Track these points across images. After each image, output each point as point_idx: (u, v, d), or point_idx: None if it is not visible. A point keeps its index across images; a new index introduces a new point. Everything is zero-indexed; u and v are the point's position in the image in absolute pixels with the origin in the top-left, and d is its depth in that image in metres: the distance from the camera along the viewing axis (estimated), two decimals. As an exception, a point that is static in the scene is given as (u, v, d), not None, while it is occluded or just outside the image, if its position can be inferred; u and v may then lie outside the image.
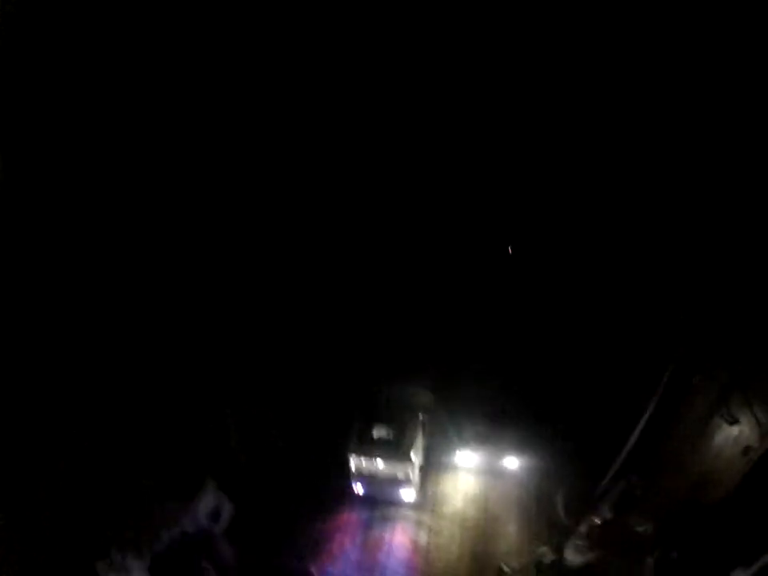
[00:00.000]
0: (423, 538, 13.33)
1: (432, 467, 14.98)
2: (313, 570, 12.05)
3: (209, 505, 12.06)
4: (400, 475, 13.08)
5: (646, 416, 11.63)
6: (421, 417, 14.08)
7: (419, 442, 13.71)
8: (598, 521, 11.83)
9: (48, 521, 9.57)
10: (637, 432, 11.82)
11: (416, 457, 13.41)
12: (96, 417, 11.29)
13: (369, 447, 12.92)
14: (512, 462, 14.64)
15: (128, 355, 12.10)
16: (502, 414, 14.47)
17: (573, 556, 11.78)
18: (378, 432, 13.16)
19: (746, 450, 9.43)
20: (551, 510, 13.86)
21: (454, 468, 15.11)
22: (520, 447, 14.58)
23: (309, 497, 13.80)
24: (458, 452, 14.75)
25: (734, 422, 9.80)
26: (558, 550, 12.13)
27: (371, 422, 13.30)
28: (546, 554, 12.22)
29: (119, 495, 10.78)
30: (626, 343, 14.00)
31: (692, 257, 12.33)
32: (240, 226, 14.78)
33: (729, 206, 11.54)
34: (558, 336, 15.33)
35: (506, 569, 12.40)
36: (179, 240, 13.46)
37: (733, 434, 9.81)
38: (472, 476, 15.04)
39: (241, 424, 13.76)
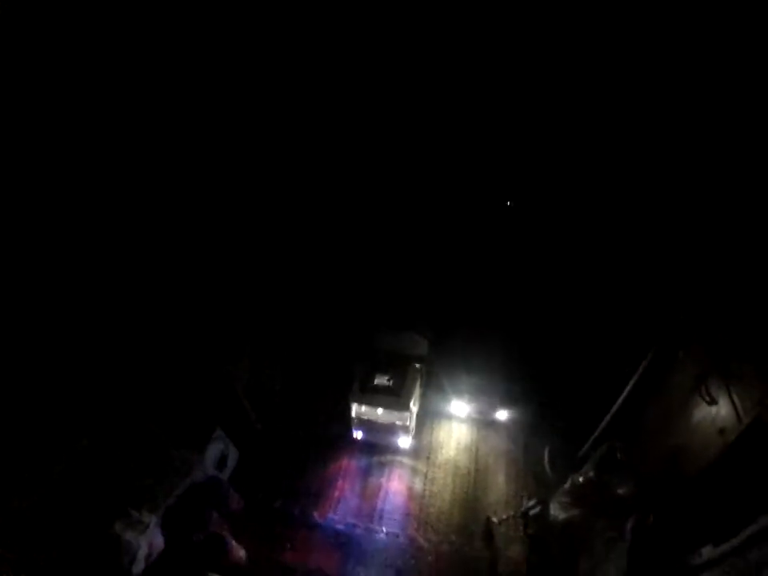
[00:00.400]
0: (418, 484, 13.77)
1: (428, 416, 15.25)
2: (315, 515, 12.60)
3: (216, 453, 12.35)
4: (398, 422, 13.35)
5: (632, 382, 11.24)
6: (418, 367, 14.11)
7: (417, 390, 13.85)
8: (581, 479, 11.84)
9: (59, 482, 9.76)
10: (622, 397, 11.50)
11: (414, 405, 13.63)
12: (105, 373, 11.51)
13: (369, 395, 13.18)
14: (503, 415, 14.69)
15: (134, 308, 12.23)
16: (495, 368, 14.24)
17: (556, 511, 11.93)
18: (379, 380, 13.39)
19: (722, 431, 9.00)
20: (538, 465, 13.98)
21: (449, 417, 15.33)
22: (511, 402, 14.55)
23: (312, 444, 14.27)
24: (452, 402, 14.86)
25: (712, 401, 9.30)
26: (544, 504, 12.25)
27: (372, 371, 13.52)
28: (533, 506, 12.39)
29: (130, 448, 10.91)
30: (619, 310, 13.27)
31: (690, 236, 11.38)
32: (239, 178, 14.36)
33: (715, 188, 10.62)
34: (554, 296, 14.77)
35: (494, 518, 12.78)
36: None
37: (711, 414, 9.32)
38: (465, 426, 15.25)
39: (246, 374, 13.86)
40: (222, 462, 12.54)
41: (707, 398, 9.32)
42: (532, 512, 12.33)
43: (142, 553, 9.51)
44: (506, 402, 14.46)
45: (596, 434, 12.32)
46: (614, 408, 11.63)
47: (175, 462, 11.11)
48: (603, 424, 12.03)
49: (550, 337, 14.65)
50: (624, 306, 13.18)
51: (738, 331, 9.08)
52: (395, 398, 13.10)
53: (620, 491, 11.13)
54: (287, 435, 14.45)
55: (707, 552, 8.47)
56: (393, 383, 13.33)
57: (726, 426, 8.86)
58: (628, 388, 11.30)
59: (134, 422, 11.38)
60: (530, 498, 12.79)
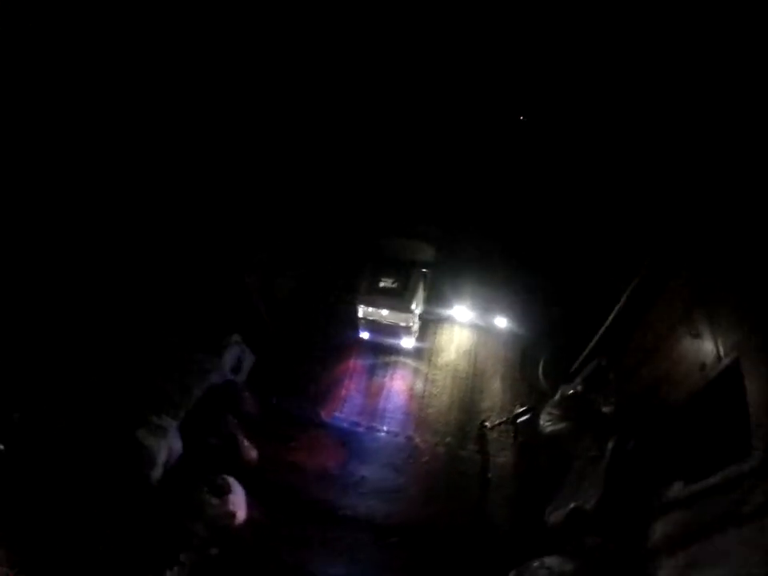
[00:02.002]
0: (419, 385, 13.87)
1: (432, 320, 14.97)
2: (322, 414, 13.06)
3: (233, 357, 12.67)
4: (402, 324, 13.47)
5: (622, 300, 10.35)
6: (424, 271, 14.03)
7: (420, 294, 13.78)
8: (570, 392, 11.52)
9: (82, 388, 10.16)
10: (612, 314, 10.68)
11: (417, 307, 13.63)
12: (125, 281, 11.76)
13: (375, 297, 13.39)
14: (502, 322, 14.18)
15: (153, 220, 12.36)
16: (497, 277, 13.86)
17: (545, 422, 11.80)
18: (384, 283, 13.52)
19: (703, 366, 8.23)
20: (533, 375, 13.61)
21: (450, 321, 15.00)
22: (511, 309, 13.99)
23: (321, 345, 14.47)
24: (454, 306, 14.53)
25: (696, 335, 8.41)
26: (533, 411, 12.19)
27: (378, 274, 13.67)
28: (521, 413, 12.35)
29: (150, 356, 11.29)
30: (616, 229, 11.89)
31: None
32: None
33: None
34: (555, 209, 13.67)
35: (487, 423, 12.83)
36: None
37: (694, 346, 8.44)
38: (466, 330, 14.90)
39: (260, 281, 14.09)
40: (238, 366, 12.85)
41: (693, 331, 8.42)
42: (520, 419, 12.27)
43: (161, 458, 9.82)
44: (506, 310, 13.95)
45: (588, 348, 11.65)
46: (606, 324, 10.82)
47: (193, 367, 11.40)
48: (595, 339, 11.29)
49: (549, 249, 13.56)
50: (621, 225, 11.79)
51: (724, 260, 7.88)
52: (399, 300, 13.24)
53: (604, 409, 10.74)
54: (300, 339, 14.63)
55: (676, 489, 8.08)
56: (397, 286, 13.43)
57: (707, 363, 8.04)
58: (618, 306, 10.38)
59: (154, 329, 11.74)
60: (522, 406, 12.60)
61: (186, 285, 12.65)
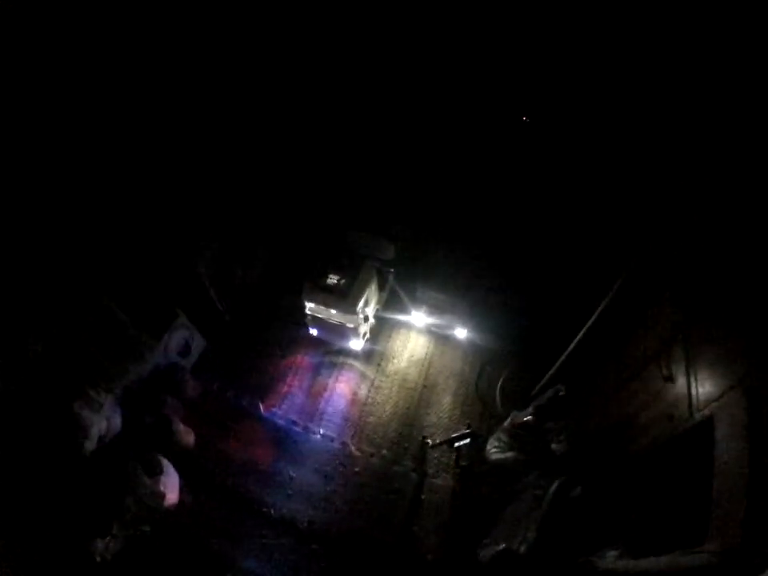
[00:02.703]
0: (363, 391, 12.81)
1: (388, 323, 13.89)
2: (261, 407, 12.22)
3: (180, 340, 12.01)
4: (348, 324, 12.23)
5: (591, 321, 9.11)
6: (381, 270, 12.80)
7: (373, 294, 12.63)
8: (524, 419, 10.34)
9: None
10: (578, 337, 9.47)
11: (368, 309, 12.49)
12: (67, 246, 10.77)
13: (318, 293, 12.00)
14: (462, 333, 13.06)
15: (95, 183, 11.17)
16: (461, 284, 12.49)
17: (492, 449, 10.70)
18: (331, 279, 12.10)
19: (671, 417, 7.03)
20: (489, 394, 12.54)
21: (407, 327, 13.88)
22: (474, 320, 12.83)
23: (272, 337, 13.55)
24: (412, 312, 13.30)
25: (668, 378, 7.18)
26: (474, 436, 11.18)
27: (326, 269, 12.22)
28: (460, 437, 11.26)
29: (89, 330, 10.50)
30: (595, 240, 10.70)
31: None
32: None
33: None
34: (531, 223, 12.26)
35: (429, 440, 11.75)
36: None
37: (665, 391, 7.28)
38: (422, 338, 13.79)
39: (214, 264, 12.92)
40: (186, 350, 12.23)
41: (665, 372, 7.19)
42: (458, 443, 11.17)
43: (96, 431, 9.54)
44: (467, 321, 12.79)
45: (550, 373, 10.47)
46: (570, 347, 9.60)
47: (132, 344, 10.93)
48: (558, 363, 10.09)
49: (520, 258, 12.31)
50: (601, 236, 10.55)
51: (717, 291, 6.63)
52: (342, 299, 11.83)
53: (554, 446, 9.58)
54: (253, 329, 13.72)
55: (609, 558, 6.91)
56: (343, 284, 11.97)
57: (675, 414, 6.86)
58: (585, 327, 9.16)
59: (99, 303, 10.90)
60: (469, 428, 11.42)
61: (136, 264, 11.66)
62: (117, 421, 10.14)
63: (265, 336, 13.69)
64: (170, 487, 9.92)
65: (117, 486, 9.18)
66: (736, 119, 7.53)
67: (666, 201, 8.68)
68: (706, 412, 6.14)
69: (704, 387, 6.42)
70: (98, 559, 8.57)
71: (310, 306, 12.43)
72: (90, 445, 9.45)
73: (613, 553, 6.93)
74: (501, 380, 12.53)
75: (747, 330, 6.02)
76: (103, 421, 9.73)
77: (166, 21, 10.99)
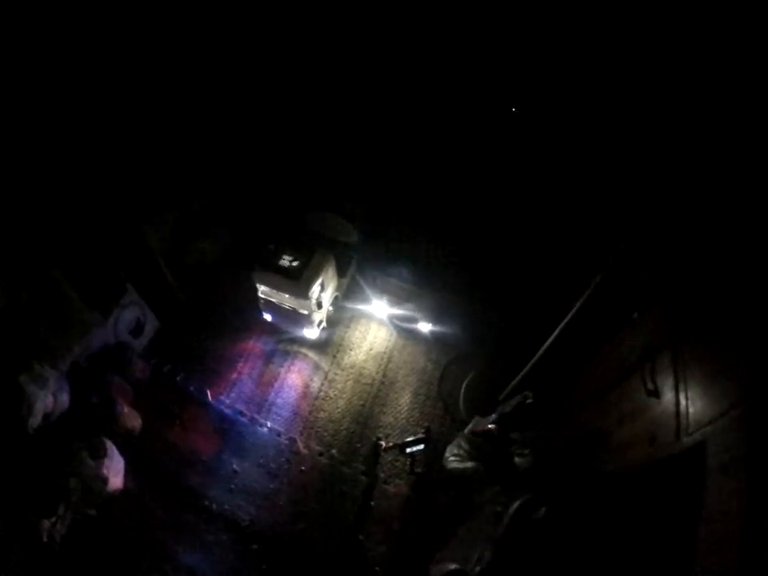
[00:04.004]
0: (316, 383, 11.86)
1: (348, 311, 12.92)
2: (208, 394, 11.50)
3: (130, 318, 11.30)
4: (302, 310, 11.27)
5: (566, 320, 8.16)
6: (342, 254, 11.87)
7: (330, 280, 11.61)
8: (487, 427, 9.36)
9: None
10: (551, 339, 8.50)
11: (323, 294, 11.44)
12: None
13: (269, 274, 11.04)
14: (426, 327, 12.08)
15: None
16: (426, 274, 11.63)
17: (451, 457, 9.73)
18: (283, 261, 11.09)
19: (653, 439, 6.04)
20: (452, 396, 11.61)
21: (368, 317, 12.89)
22: (439, 313, 11.89)
23: (226, 321, 12.64)
24: (374, 301, 12.32)
25: (652, 392, 6.20)
26: (428, 443, 10.28)
27: (279, 250, 11.20)
28: (413, 442, 10.33)
29: (37, 301, 9.74)
30: (572, 237, 9.76)
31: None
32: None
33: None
34: (503, 211, 11.19)
35: (382, 442, 10.73)
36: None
37: (648, 407, 6.30)
38: (383, 330, 12.79)
39: (168, 241, 11.94)
40: (138, 330, 11.56)
41: (649, 386, 6.20)
42: (410, 449, 10.23)
43: (41, 406, 9.05)
44: (432, 314, 11.85)
45: (518, 377, 9.51)
46: (542, 349, 8.64)
47: (79, 319, 10.27)
48: (527, 367, 9.13)
49: (493, 246, 11.31)
50: (582, 223, 9.60)
51: (712, 308, 5.62)
52: (294, 283, 10.83)
53: (517, 459, 8.60)
54: (207, 310, 12.83)
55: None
56: (296, 266, 10.95)
57: (658, 436, 5.86)
58: (560, 326, 8.20)
59: (42, 274, 10.11)
60: (428, 432, 10.42)
61: (85, 235, 10.67)
62: (64, 398, 9.68)
63: (219, 319, 12.79)
64: (114, 471, 9.57)
65: (61, 466, 8.89)
66: (734, 116, 6.68)
67: (654, 194, 7.83)
68: (697, 437, 5.11)
69: (695, 407, 5.39)
70: (45, 539, 8.29)
71: (262, 288, 11.45)
72: (35, 421, 9.04)
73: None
74: (466, 381, 11.59)
75: (749, 342, 5.02)
76: (49, 396, 9.28)
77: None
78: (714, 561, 4.29)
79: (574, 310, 8.05)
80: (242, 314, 12.76)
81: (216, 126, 11.97)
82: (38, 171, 10.04)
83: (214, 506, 10.14)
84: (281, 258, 11.13)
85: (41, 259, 10.06)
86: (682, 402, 5.58)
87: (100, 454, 9.43)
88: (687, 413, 5.46)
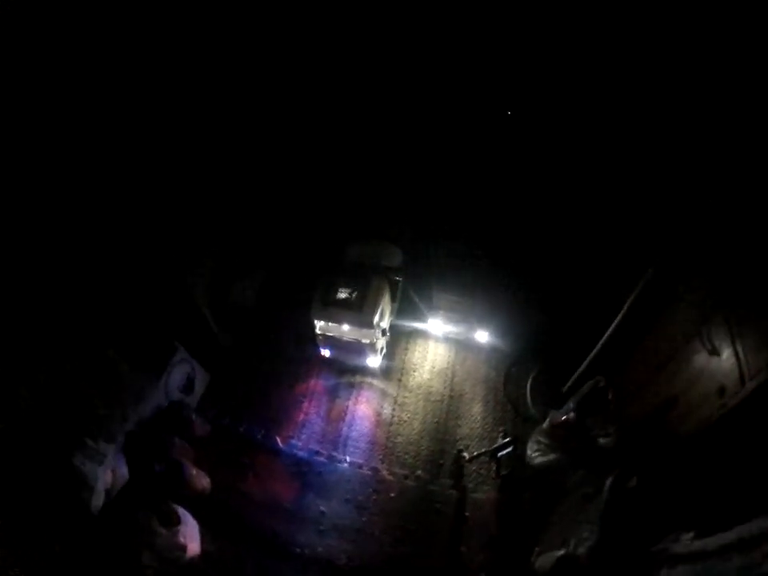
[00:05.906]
0: (387, 409, 12.25)
1: (402, 335, 13.36)
2: (277, 440, 11.57)
3: (181, 376, 11.32)
4: (364, 340, 11.60)
5: (624, 310, 8.75)
6: (391, 279, 12.08)
7: (386, 305, 11.89)
8: (562, 418, 9.87)
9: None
10: (612, 327, 9.08)
11: (382, 321, 11.76)
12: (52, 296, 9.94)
13: (330, 310, 11.37)
14: (483, 336, 12.57)
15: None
16: (475, 284, 11.92)
17: (533, 453, 10.19)
18: (341, 294, 11.46)
19: (722, 390, 6.65)
20: (519, 397, 12.03)
21: (424, 336, 13.37)
22: (493, 321, 12.33)
23: (279, 361, 12.86)
24: (429, 320, 12.85)
25: (713, 352, 6.83)
26: (515, 443, 10.67)
27: (336, 283, 11.57)
28: (502, 446, 10.75)
29: (86, 376, 9.71)
30: (615, 230, 10.23)
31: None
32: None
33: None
34: (545, 211, 11.43)
35: (465, 453, 11.23)
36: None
37: (711, 365, 6.89)
38: (441, 346, 13.26)
39: (206, 281, 12.32)
40: (189, 386, 11.48)
41: (708, 346, 6.84)
42: (501, 453, 10.67)
43: (102, 484, 8.75)
44: (487, 323, 12.31)
45: (583, 366, 10.04)
46: (604, 338, 9.21)
47: (131, 388, 10.12)
48: (591, 355, 9.69)
49: (537, 250, 11.80)
50: (621, 220, 10.13)
51: (750, 266, 6.32)
52: (357, 313, 11.18)
53: (601, 440, 9.12)
54: (256, 354, 12.99)
55: (685, 542, 6.47)
56: (355, 297, 11.30)
57: (727, 386, 6.47)
58: (619, 316, 8.79)
59: (90, 347, 10.01)
60: (506, 435, 10.98)
61: (125, 294, 10.80)
62: (122, 471, 9.39)
63: (271, 361, 12.99)
64: (190, 537, 9.19)
65: (131, 541, 8.49)
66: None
67: (696, 188, 8.28)
68: (760, 377, 5.79)
69: (753, 355, 6.08)
70: None
71: (320, 324, 11.76)
72: (97, 501, 8.67)
73: (687, 535, 6.48)
74: (529, 380, 12.04)
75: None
76: (108, 473, 8.97)
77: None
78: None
79: (629, 303, 8.60)
80: (295, 353, 13.03)
81: (244, 165, 12.17)
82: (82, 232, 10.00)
83: (306, 551, 9.99)
84: (337, 292, 11.43)
85: (93, 336, 9.98)
86: (741, 354, 6.21)
87: (173, 522, 9.01)
88: (747, 361, 6.09)
